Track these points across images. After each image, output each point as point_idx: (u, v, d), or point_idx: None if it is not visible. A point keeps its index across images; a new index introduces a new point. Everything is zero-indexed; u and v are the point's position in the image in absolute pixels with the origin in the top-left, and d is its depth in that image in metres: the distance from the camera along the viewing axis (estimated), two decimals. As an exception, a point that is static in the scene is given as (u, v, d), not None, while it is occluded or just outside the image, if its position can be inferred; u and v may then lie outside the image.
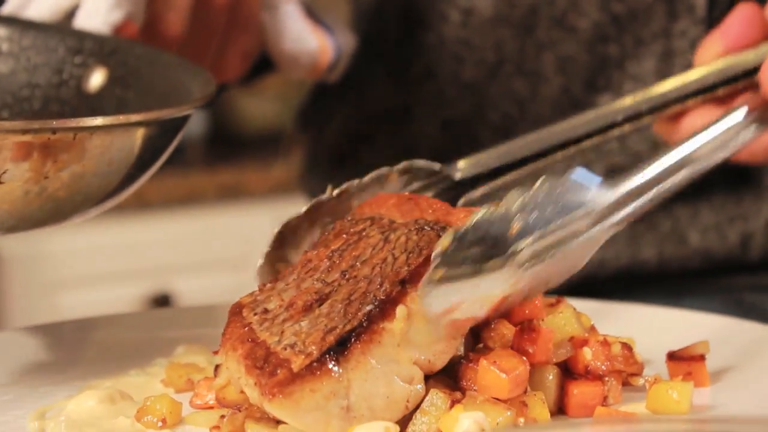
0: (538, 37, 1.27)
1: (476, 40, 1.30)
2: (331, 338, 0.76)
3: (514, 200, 0.75)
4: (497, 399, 0.77)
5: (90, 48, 1.01)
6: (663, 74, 1.24)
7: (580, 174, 0.79)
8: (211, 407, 0.84)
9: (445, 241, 0.75)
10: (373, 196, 0.91)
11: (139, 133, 0.83)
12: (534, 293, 0.81)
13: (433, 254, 0.75)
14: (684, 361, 0.85)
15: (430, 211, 0.85)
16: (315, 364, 0.75)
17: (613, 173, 0.82)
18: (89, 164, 0.81)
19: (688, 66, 1.22)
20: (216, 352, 0.86)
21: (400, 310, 0.77)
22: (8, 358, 0.97)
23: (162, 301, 2.56)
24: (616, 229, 0.81)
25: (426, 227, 0.83)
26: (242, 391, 0.81)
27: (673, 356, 0.87)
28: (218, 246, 2.59)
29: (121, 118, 0.82)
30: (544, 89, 1.29)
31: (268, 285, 0.86)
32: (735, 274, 1.30)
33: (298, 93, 3.03)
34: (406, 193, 0.89)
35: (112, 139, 0.81)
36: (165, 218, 2.53)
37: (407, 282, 0.78)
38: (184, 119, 0.89)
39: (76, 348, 1.00)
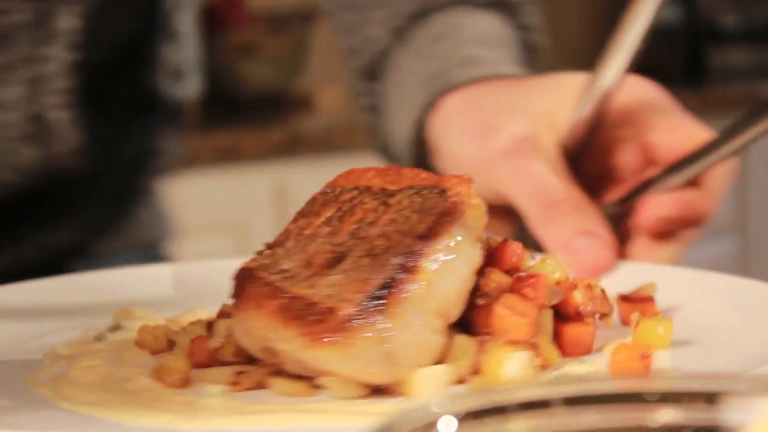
0: None
1: None
2: (370, 287, 0.78)
3: None
4: (515, 341, 0.80)
5: None
6: (33, 101, 1.16)
7: None
8: (209, 365, 0.84)
9: None
10: (346, 172, 0.92)
11: None
12: None
13: None
14: (636, 302, 0.89)
15: (419, 178, 0.86)
16: (360, 311, 0.77)
17: None
18: None
19: (59, 92, 1.15)
20: (222, 315, 0.86)
21: (425, 263, 0.79)
22: (9, 313, 0.96)
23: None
24: None
25: (425, 191, 0.84)
26: (236, 352, 0.82)
27: (625, 298, 0.89)
28: (215, 209, 2.59)
29: None
30: None
31: (266, 251, 0.87)
32: None
33: (295, 55, 3.02)
34: (386, 165, 0.91)
35: None
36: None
37: (426, 238, 0.80)
38: None
39: (71, 305, 1.00)
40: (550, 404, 0.46)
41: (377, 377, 0.78)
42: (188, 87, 2.74)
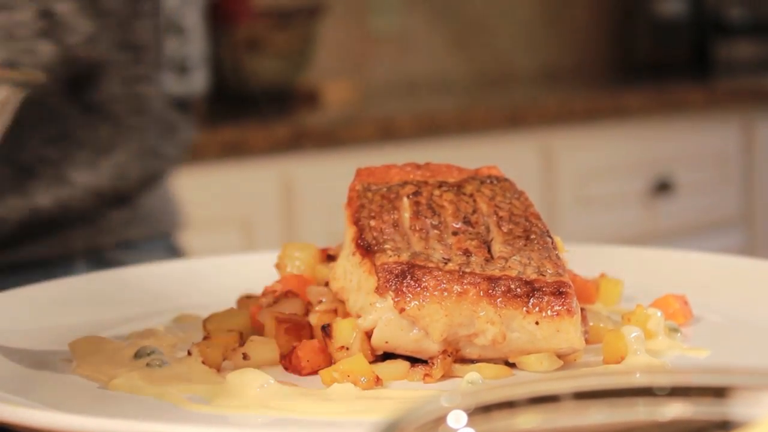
0: None
1: None
2: (561, 262, 0.80)
3: None
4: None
5: None
6: None
7: None
8: (314, 370, 0.79)
9: None
10: (364, 171, 0.89)
11: None
12: None
13: None
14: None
15: (454, 172, 0.88)
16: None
17: None
18: None
19: None
20: (241, 307, 0.81)
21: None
22: (33, 312, 0.95)
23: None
24: None
25: (487, 181, 0.86)
26: (371, 350, 0.79)
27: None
28: (221, 203, 2.59)
29: None
30: None
31: (384, 250, 0.80)
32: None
33: (301, 50, 3.02)
34: (407, 164, 0.89)
35: None
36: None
37: (540, 217, 0.84)
38: None
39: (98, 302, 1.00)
40: (559, 399, 0.46)
41: (581, 344, 0.79)
42: (195, 82, 2.74)
